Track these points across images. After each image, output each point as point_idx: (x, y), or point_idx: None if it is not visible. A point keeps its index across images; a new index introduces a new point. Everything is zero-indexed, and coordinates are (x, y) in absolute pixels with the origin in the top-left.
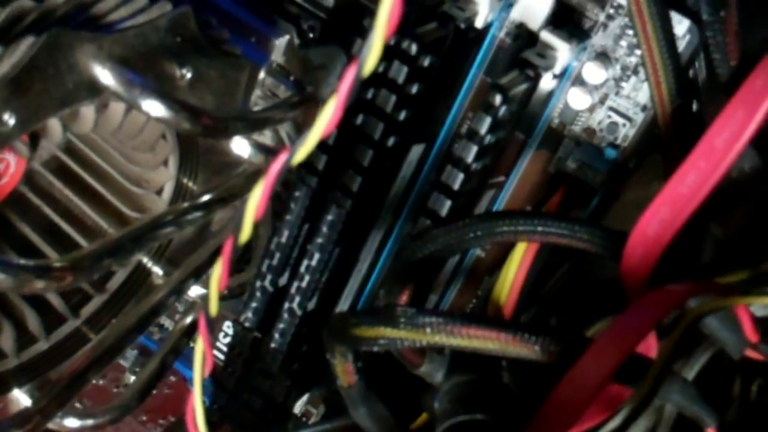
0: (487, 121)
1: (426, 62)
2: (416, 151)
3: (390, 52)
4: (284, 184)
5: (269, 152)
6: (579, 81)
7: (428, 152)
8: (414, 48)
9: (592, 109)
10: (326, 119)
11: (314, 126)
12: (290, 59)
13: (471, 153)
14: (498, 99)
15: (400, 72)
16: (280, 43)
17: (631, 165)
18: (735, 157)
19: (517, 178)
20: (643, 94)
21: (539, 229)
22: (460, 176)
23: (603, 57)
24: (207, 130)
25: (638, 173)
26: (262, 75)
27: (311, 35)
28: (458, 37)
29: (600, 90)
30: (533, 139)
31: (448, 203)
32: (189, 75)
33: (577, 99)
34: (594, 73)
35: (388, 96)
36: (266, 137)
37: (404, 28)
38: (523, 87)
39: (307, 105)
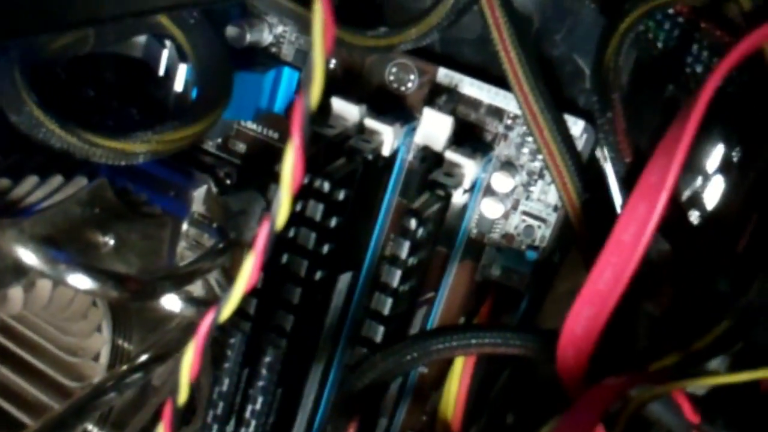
0: (406, 245)
1: (340, 196)
2: (344, 280)
3: (305, 192)
4: (220, 328)
5: (200, 304)
6: (489, 191)
7: (356, 279)
8: (326, 186)
9: (506, 216)
10: (246, 276)
11: (236, 283)
12: (210, 207)
13: (395, 277)
14: (413, 223)
15: (316, 210)
16: (199, 193)
17: (556, 259)
18: (644, 248)
19: (446, 292)
20: (552, 195)
21: (473, 341)
22: (389, 301)
23: (508, 166)
24: (135, 295)
25: (565, 265)
26: (185, 227)
27: (228, 182)
28: (369, 167)
29: (510, 197)
30: (455, 252)
31: (381, 329)
32: (112, 242)
33: (491, 208)
34: (502, 182)
35: (308, 234)
36: (196, 287)
37: (314, 167)
38: (436, 207)
39: (232, 250)
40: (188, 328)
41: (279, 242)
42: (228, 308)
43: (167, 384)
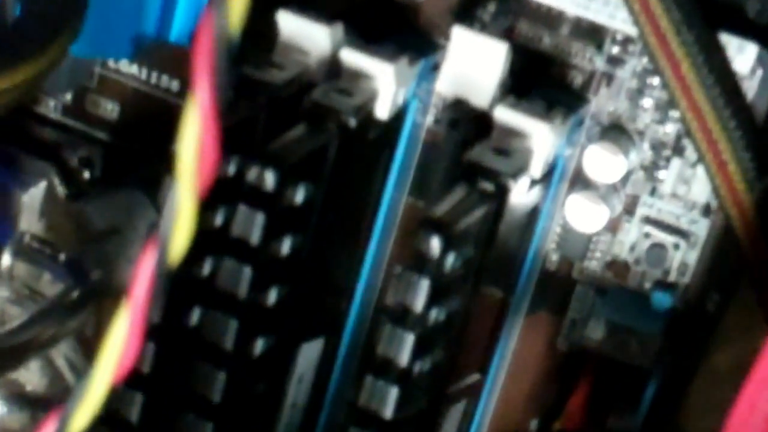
0: (424, 286)
1: (298, 197)
2: (309, 353)
3: (231, 190)
4: None
5: (33, 405)
6: (581, 182)
7: (332, 352)
8: (270, 178)
9: (614, 227)
10: (116, 353)
11: (96, 367)
12: (53, 223)
13: (405, 347)
14: (435, 245)
15: (251, 223)
16: (32, 198)
17: (710, 307)
18: None
19: (504, 372)
20: (701, 186)
21: None
22: (393, 393)
23: (616, 132)
24: None
25: (727, 317)
26: (5, 260)
27: (86, 174)
28: (350, 143)
29: (621, 192)
30: (520, 297)
31: None
32: None
33: (584, 214)
34: (604, 162)
35: (238, 268)
36: (32, 373)
37: (247, 144)
38: (479, 214)
39: (96, 302)
40: None
41: (183, 286)
42: (81, 414)
43: None
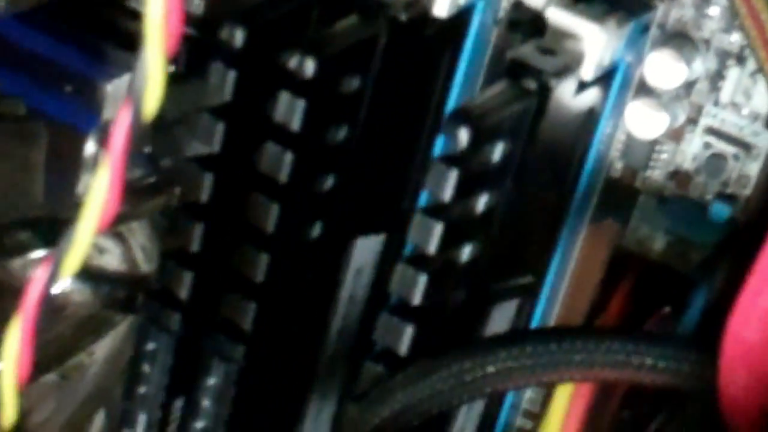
0: (452, 177)
1: (348, 86)
2: (367, 246)
3: (272, 79)
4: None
5: (102, 280)
6: (644, 89)
7: (397, 251)
8: (310, 66)
9: (676, 136)
10: (99, 202)
11: (79, 220)
12: None
13: (434, 238)
14: (464, 136)
15: (293, 110)
16: (115, 87)
17: None
18: None
19: (566, 276)
20: (763, 97)
21: (577, 359)
22: (422, 280)
23: (680, 39)
24: None
25: None
26: (90, 146)
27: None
28: (404, 40)
29: (684, 99)
30: (583, 205)
31: (406, 329)
32: None
33: (644, 120)
34: (665, 68)
35: (280, 153)
36: (113, 256)
37: (292, 31)
38: (517, 109)
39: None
40: (88, 323)
41: (229, 169)
42: (71, 259)
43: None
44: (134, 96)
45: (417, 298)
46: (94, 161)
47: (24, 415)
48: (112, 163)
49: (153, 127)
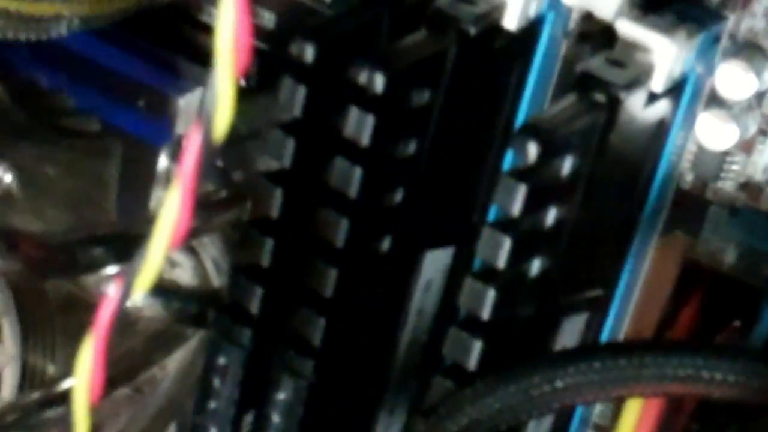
0: (521, 191)
1: (419, 99)
2: (437, 260)
3: (341, 94)
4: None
5: (174, 295)
6: (715, 100)
7: (466, 265)
8: (380, 80)
9: (747, 147)
10: (170, 220)
11: (151, 236)
12: None
13: (503, 252)
14: (533, 151)
15: (363, 125)
16: (188, 102)
17: None
18: None
19: (636, 289)
20: None
21: (645, 373)
22: (490, 294)
23: (751, 50)
24: (38, 268)
25: None
26: (162, 161)
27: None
28: (473, 52)
29: (757, 110)
30: (653, 217)
31: (476, 345)
32: (8, 179)
33: (714, 132)
34: (735, 79)
35: (350, 169)
36: (185, 270)
37: (365, 45)
38: (586, 122)
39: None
40: (158, 338)
41: (297, 181)
42: (144, 277)
43: None
44: (205, 114)
45: (486, 313)
46: (167, 176)
47: (96, 428)
48: (184, 181)
49: (224, 142)
